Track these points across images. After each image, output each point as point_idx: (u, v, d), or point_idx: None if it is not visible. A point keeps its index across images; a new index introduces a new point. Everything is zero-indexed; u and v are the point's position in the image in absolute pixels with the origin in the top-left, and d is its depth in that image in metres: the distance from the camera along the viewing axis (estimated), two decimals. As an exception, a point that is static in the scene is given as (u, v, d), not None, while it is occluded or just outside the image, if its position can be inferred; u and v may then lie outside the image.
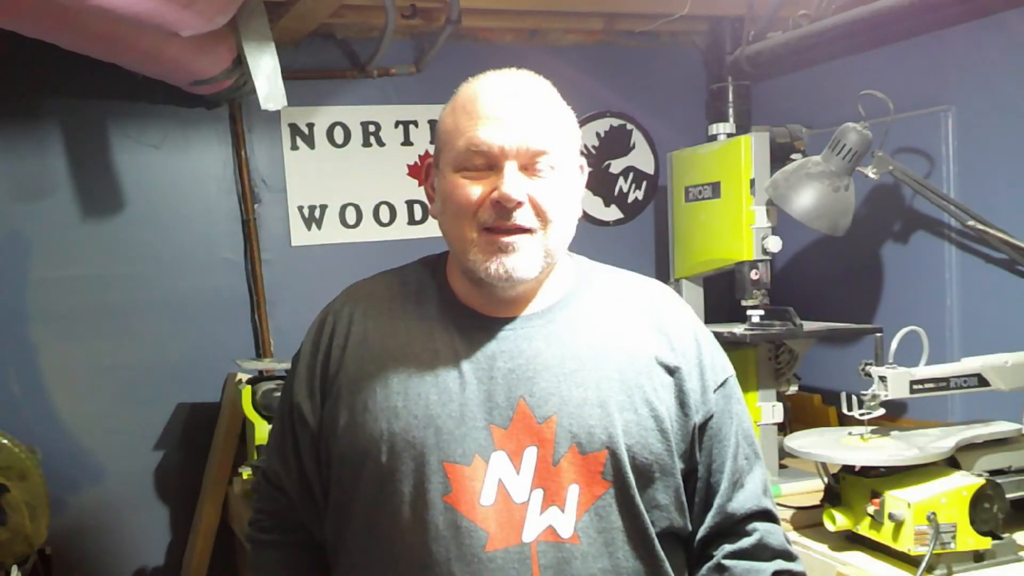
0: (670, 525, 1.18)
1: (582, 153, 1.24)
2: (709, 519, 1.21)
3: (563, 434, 1.13)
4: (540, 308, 1.21)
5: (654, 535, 1.15)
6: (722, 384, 1.23)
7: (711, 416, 1.21)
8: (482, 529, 1.09)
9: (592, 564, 1.11)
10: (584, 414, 1.13)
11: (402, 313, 1.22)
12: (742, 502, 1.22)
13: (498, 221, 1.12)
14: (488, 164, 1.13)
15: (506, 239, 1.13)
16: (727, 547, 1.21)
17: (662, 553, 1.16)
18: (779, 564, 1.21)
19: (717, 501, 1.21)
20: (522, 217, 1.12)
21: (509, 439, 1.12)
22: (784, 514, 2.02)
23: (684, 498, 1.19)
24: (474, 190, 1.13)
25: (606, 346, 1.18)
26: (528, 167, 1.13)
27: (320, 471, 1.22)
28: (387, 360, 1.18)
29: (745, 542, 1.21)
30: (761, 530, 1.22)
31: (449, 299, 1.22)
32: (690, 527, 1.21)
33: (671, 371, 1.19)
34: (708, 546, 1.23)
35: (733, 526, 1.22)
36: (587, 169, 1.26)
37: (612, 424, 1.13)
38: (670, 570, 1.17)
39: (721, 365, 1.25)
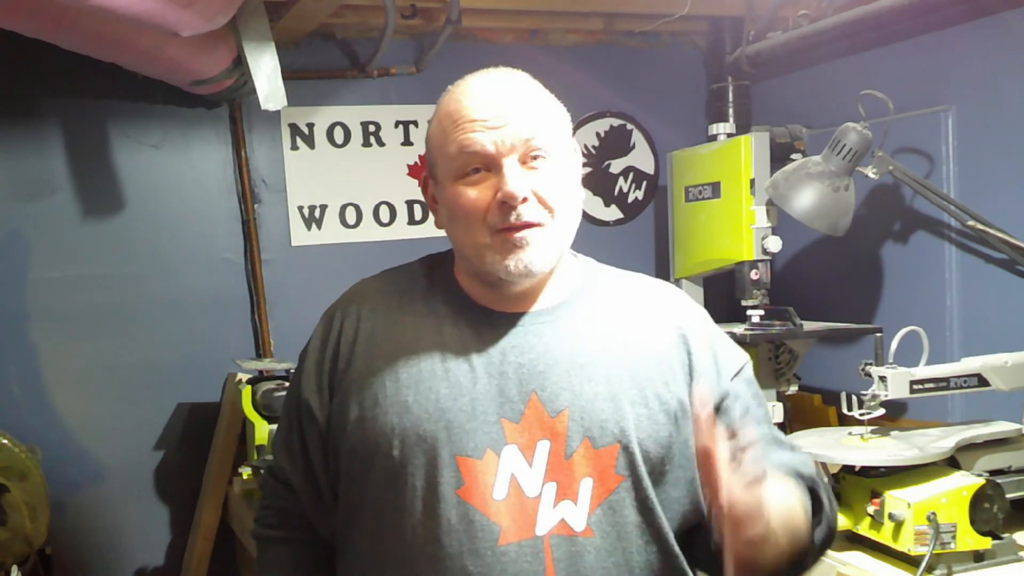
0: (685, 518, 1.18)
1: (584, 153, 1.23)
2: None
3: (575, 428, 1.13)
4: (548, 305, 1.21)
5: (668, 529, 1.15)
6: (738, 372, 1.23)
7: (725, 396, 1.20)
8: (495, 523, 1.09)
9: (606, 558, 1.11)
10: (596, 408, 1.14)
11: (410, 309, 1.22)
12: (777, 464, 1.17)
13: (506, 221, 1.12)
14: (486, 166, 1.14)
15: (519, 235, 1.13)
16: None
17: (676, 547, 1.16)
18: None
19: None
20: (529, 213, 1.12)
21: (521, 433, 1.12)
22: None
23: (700, 490, 1.18)
24: (478, 196, 1.13)
25: (616, 342, 1.19)
26: (523, 160, 1.13)
27: (327, 467, 1.22)
28: (397, 355, 1.18)
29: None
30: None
31: (457, 295, 1.22)
32: (706, 516, 1.20)
33: (684, 365, 1.19)
34: None
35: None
36: (579, 149, 1.24)
37: (623, 418, 1.14)
38: (685, 564, 1.16)
39: (735, 355, 1.25)
